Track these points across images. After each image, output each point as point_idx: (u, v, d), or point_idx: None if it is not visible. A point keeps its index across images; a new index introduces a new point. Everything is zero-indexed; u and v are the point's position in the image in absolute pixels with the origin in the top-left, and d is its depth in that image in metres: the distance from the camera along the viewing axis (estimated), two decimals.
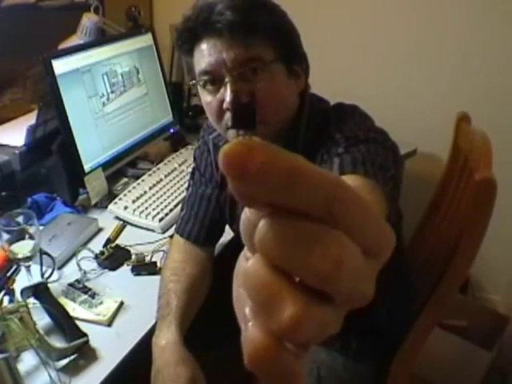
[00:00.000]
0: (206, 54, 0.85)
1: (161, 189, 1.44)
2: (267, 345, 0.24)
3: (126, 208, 1.34)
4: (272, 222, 0.24)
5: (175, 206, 1.37)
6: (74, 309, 1.00)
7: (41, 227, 1.13)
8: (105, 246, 1.21)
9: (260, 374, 0.24)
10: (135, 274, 1.14)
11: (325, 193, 0.24)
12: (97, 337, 0.94)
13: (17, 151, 1.36)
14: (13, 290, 0.99)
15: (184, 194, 1.43)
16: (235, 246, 1.19)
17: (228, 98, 0.83)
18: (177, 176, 1.51)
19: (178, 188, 1.45)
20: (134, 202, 1.36)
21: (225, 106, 0.85)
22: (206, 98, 0.89)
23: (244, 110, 0.51)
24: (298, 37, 0.92)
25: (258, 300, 0.25)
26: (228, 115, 0.86)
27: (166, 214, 1.33)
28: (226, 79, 0.84)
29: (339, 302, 0.25)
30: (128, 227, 1.32)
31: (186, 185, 1.47)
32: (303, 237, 0.24)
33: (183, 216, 1.15)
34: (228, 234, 1.20)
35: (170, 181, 1.48)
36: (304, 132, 0.93)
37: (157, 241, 1.25)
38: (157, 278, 1.13)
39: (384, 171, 0.77)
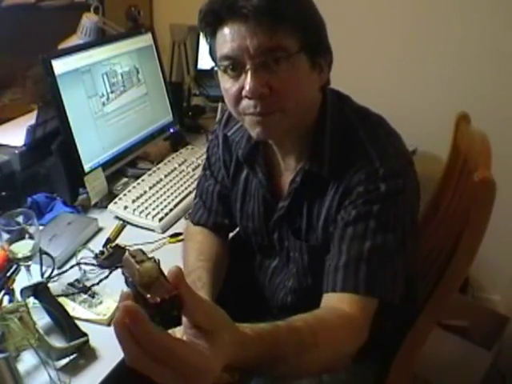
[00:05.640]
0: (229, 39, 0.83)
1: (161, 189, 1.44)
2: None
3: (125, 208, 1.34)
4: None
5: (175, 206, 1.37)
6: (73, 308, 1.00)
7: (41, 227, 1.13)
8: (105, 245, 1.22)
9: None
10: None
11: None
12: (97, 336, 0.94)
13: (17, 151, 1.36)
14: (13, 289, 0.99)
15: (184, 194, 1.43)
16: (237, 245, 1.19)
17: (248, 86, 0.82)
18: (177, 176, 1.52)
19: (178, 188, 1.45)
20: (133, 201, 1.36)
21: (244, 93, 0.84)
22: (226, 84, 0.87)
23: (168, 307, 0.48)
24: (325, 29, 0.89)
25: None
26: (245, 102, 0.85)
27: (166, 214, 1.33)
28: (248, 67, 0.82)
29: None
30: (128, 227, 1.32)
31: (185, 184, 1.48)
32: None
33: (196, 203, 1.17)
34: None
35: (170, 181, 1.48)
36: (330, 136, 0.92)
37: (156, 240, 1.25)
38: None
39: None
